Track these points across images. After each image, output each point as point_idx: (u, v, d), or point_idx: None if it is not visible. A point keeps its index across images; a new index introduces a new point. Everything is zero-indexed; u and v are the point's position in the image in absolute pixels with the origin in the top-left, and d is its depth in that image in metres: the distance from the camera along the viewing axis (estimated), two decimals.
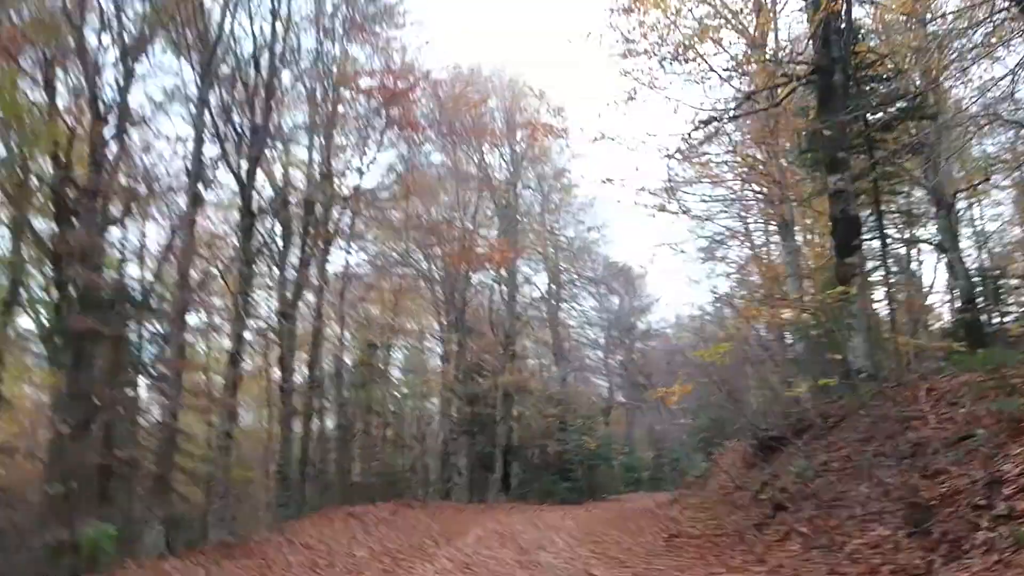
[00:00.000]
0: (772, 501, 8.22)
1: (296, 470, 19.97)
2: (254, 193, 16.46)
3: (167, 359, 12.51)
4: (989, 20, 13.68)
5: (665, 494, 23.03)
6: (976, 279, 20.02)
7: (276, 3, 15.60)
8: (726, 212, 22.18)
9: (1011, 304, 20.60)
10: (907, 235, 21.34)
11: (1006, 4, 12.64)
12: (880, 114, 13.02)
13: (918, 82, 14.62)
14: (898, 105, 12.80)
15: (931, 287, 24.93)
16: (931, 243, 21.73)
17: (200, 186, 15.25)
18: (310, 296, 19.84)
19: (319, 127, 17.84)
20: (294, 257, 19.03)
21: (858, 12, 12.56)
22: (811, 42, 10.68)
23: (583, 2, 14.47)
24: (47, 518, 8.67)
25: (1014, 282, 20.77)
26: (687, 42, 11.00)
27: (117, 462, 9.97)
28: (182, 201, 15.34)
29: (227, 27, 13.91)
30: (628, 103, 11.01)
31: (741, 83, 13.91)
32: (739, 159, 17.55)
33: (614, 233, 50.31)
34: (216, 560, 8.59)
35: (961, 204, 21.59)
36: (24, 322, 13.90)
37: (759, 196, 19.02)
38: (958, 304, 19.91)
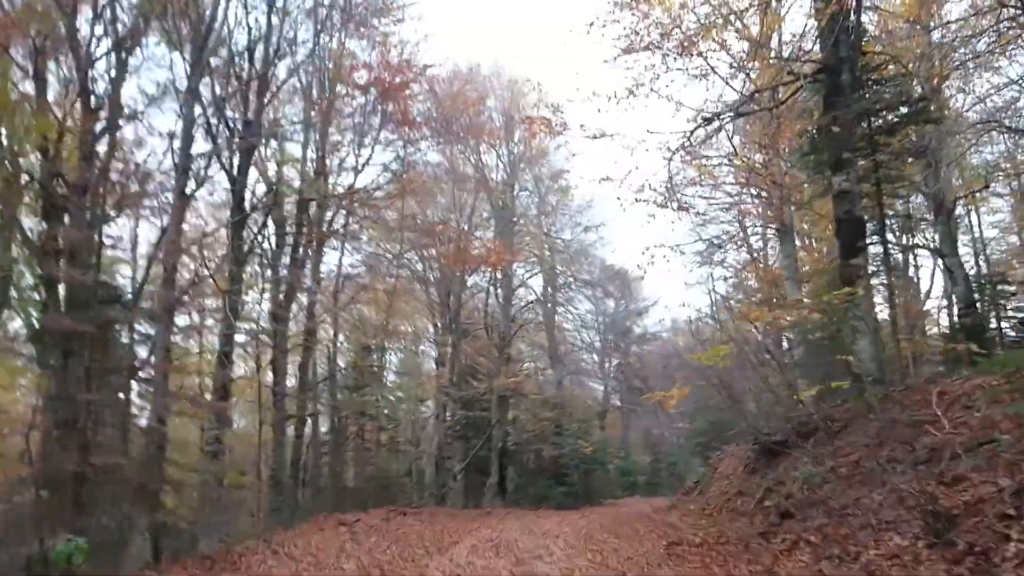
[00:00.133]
0: (778, 508, 7.95)
1: (289, 475, 19.64)
2: (246, 190, 16.21)
3: (152, 361, 12.15)
4: (994, 28, 13.60)
5: (662, 499, 22.78)
6: (975, 285, 19.96)
7: None
8: (725, 215, 22.10)
9: (1010, 309, 20.58)
10: (905, 240, 21.27)
11: (1012, 12, 12.51)
12: (884, 117, 12.84)
13: (920, 89, 14.50)
14: (902, 110, 12.59)
15: (928, 292, 24.93)
16: (930, 248, 21.69)
17: (189, 181, 14.99)
18: (303, 297, 19.50)
19: (314, 123, 17.54)
20: (287, 257, 18.74)
21: (862, 18, 12.37)
22: (818, 41, 10.45)
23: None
24: (21, 528, 8.33)
25: (1012, 288, 20.74)
26: (693, 37, 10.75)
27: (93, 468, 9.60)
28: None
29: (220, 15, 13.56)
30: (629, 97, 10.76)
31: (745, 82, 13.71)
32: (739, 162, 17.39)
33: (611, 234, 50.32)
34: (197, 572, 8.26)
35: (959, 211, 21.58)
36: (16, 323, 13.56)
37: (759, 199, 18.87)
38: (956, 309, 19.85)
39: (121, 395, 13.74)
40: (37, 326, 12.94)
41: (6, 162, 12.93)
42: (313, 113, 17.19)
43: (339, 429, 24.84)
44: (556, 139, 19.61)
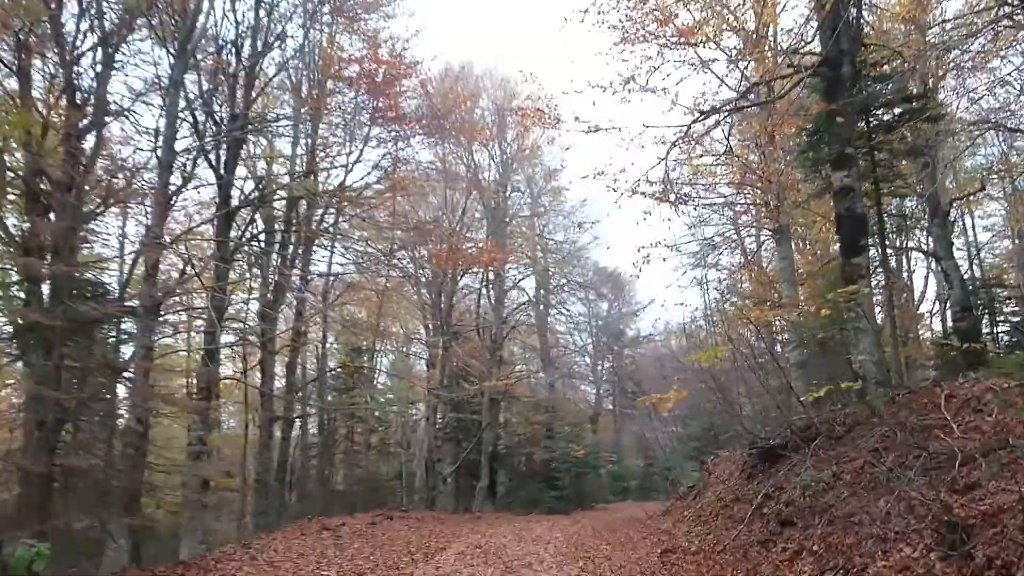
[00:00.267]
0: (777, 515, 7.65)
1: (275, 478, 19.27)
2: (234, 187, 15.84)
3: (133, 359, 11.74)
4: (990, 27, 13.41)
5: (655, 503, 22.52)
6: (971, 288, 19.81)
7: None
8: (719, 216, 21.87)
9: (1005, 313, 20.45)
10: (899, 243, 21.11)
11: (1010, 10, 12.30)
12: (881, 116, 12.62)
13: (919, 87, 14.30)
14: (901, 107, 12.35)
15: (922, 296, 24.81)
16: (924, 251, 21.53)
17: (173, 176, 14.60)
18: (292, 297, 19.11)
19: (304, 119, 17.18)
20: (276, 256, 18.36)
21: (862, 14, 12.14)
22: (819, 33, 10.19)
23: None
24: None
25: (1006, 292, 20.62)
26: (692, 28, 10.47)
27: (61, 470, 9.20)
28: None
29: (206, 6, 13.21)
30: (625, 88, 10.43)
31: (742, 76, 13.46)
32: (734, 162, 17.14)
33: (605, 233, 50.00)
34: None
35: (952, 214, 21.47)
36: None
37: (755, 200, 18.62)
38: (951, 313, 19.68)
39: (107, 394, 13.37)
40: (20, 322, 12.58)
41: None
42: (303, 109, 16.83)
43: (328, 431, 24.49)
44: (549, 133, 19.33)
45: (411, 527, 13.37)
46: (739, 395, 12.46)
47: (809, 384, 10.08)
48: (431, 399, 23.93)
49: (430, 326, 25.82)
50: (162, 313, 17.58)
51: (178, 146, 14.55)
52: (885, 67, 12.30)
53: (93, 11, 13.87)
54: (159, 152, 12.56)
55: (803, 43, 10.85)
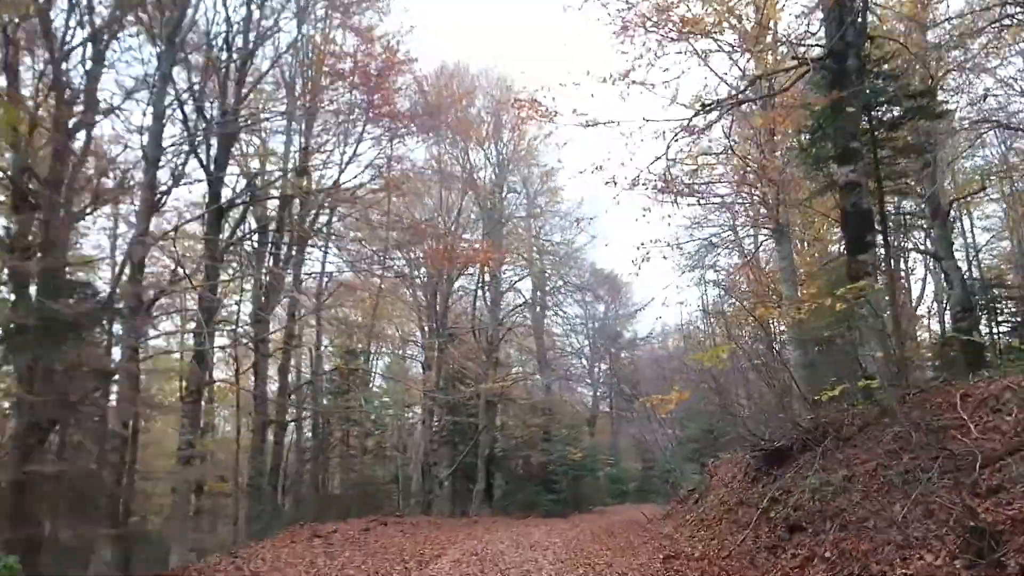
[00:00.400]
0: (786, 520, 7.36)
1: (268, 482, 18.95)
2: (225, 186, 15.55)
3: (120, 362, 11.43)
4: (994, 25, 13.21)
5: (653, 506, 22.22)
6: (971, 289, 19.60)
7: None
8: (718, 217, 21.65)
9: (1005, 314, 20.26)
10: (897, 243, 20.91)
11: (1013, 10, 12.10)
12: (884, 113, 12.38)
13: (918, 87, 14.08)
14: (905, 104, 12.10)
15: (920, 296, 24.63)
16: (923, 251, 21.34)
17: (163, 173, 14.33)
18: (285, 298, 18.80)
19: (296, 116, 16.89)
20: (270, 258, 18.08)
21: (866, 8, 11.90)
22: (824, 25, 9.93)
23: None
24: None
25: (1007, 292, 20.43)
26: (694, 19, 10.21)
27: (38, 476, 8.88)
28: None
29: None
30: (625, 79, 10.15)
31: (743, 72, 13.21)
32: (734, 160, 16.88)
33: (602, 231, 49.51)
34: None
35: (951, 214, 21.31)
36: None
37: (754, 198, 18.38)
38: (951, 314, 19.48)
39: (91, 398, 13.04)
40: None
41: None
42: (297, 103, 16.55)
43: (323, 435, 24.15)
44: (546, 127, 19.01)
45: (406, 533, 13.05)
46: (740, 396, 12.17)
47: (813, 384, 9.79)
48: (427, 402, 23.62)
49: (426, 328, 25.51)
50: (153, 315, 17.34)
51: (168, 143, 14.35)
52: (887, 65, 12.08)
53: (83, 6, 13.61)
54: (145, 147, 12.26)
55: (808, 34, 10.60)
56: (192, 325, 19.12)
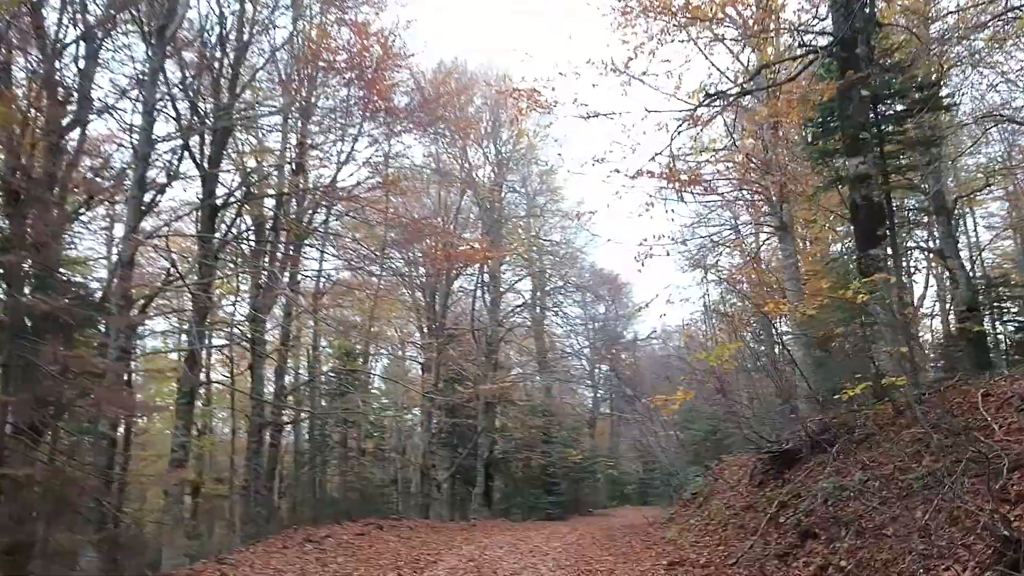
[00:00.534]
0: (797, 526, 7.03)
1: (264, 485, 18.61)
2: (220, 184, 15.25)
3: (108, 362, 11.08)
4: (999, 18, 12.91)
5: (655, 509, 21.91)
6: (977, 287, 19.29)
7: None
8: (718, 217, 21.39)
9: (1011, 312, 19.95)
10: (900, 241, 20.58)
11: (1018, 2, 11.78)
12: (893, 105, 12.07)
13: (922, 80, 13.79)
14: (912, 97, 11.78)
15: (923, 295, 24.32)
16: (926, 249, 21.02)
17: (158, 173, 14.03)
18: (282, 298, 18.47)
19: (292, 114, 16.59)
20: (265, 257, 17.76)
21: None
22: (831, 12, 9.62)
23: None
24: None
25: (1010, 292, 20.12)
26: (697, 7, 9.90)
27: (28, 481, 8.56)
28: (147, 196, 14.15)
29: None
30: (627, 67, 9.85)
31: (745, 66, 12.90)
32: (737, 157, 16.60)
33: (602, 230, 49.22)
34: None
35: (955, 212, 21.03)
36: None
37: (756, 196, 18.10)
38: (955, 313, 19.18)
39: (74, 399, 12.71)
40: None
41: None
42: (293, 108, 16.26)
43: (321, 437, 23.84)
44: (545, 119, 18.64)
45: (402, 537, 12.70)
46: (746, 396, 11.84)
47: (824, 383, 9.47)
48: (426, 404, 23.31)
49: (425, 329, 25.20)
50: (149, 315, 17.03)
51: (162, 141, 14.06)
52: (896, 56, 11.78)
53: (76, 3, 13.32)
54: (135, 142, 11.95)
55: (816, 19, 10.28)
56: (187, 326, 18.83)
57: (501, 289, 27.83)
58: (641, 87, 10.54)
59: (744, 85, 10.55)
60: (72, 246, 16.54)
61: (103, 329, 14.37)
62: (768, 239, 21.69)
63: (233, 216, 16.42)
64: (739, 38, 11.85)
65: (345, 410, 22.66)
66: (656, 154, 10.05)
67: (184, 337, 20.06)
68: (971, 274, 22.99)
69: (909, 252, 22.35)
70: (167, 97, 13.69)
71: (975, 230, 25.12)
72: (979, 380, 7.21)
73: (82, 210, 15.12)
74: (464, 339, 26.31)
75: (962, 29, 14.17)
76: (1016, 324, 19.51)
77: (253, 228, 17.66)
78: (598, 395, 39.07)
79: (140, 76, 13.46)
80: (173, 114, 14.24)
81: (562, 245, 29.79)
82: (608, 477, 35.20)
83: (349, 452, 25.72)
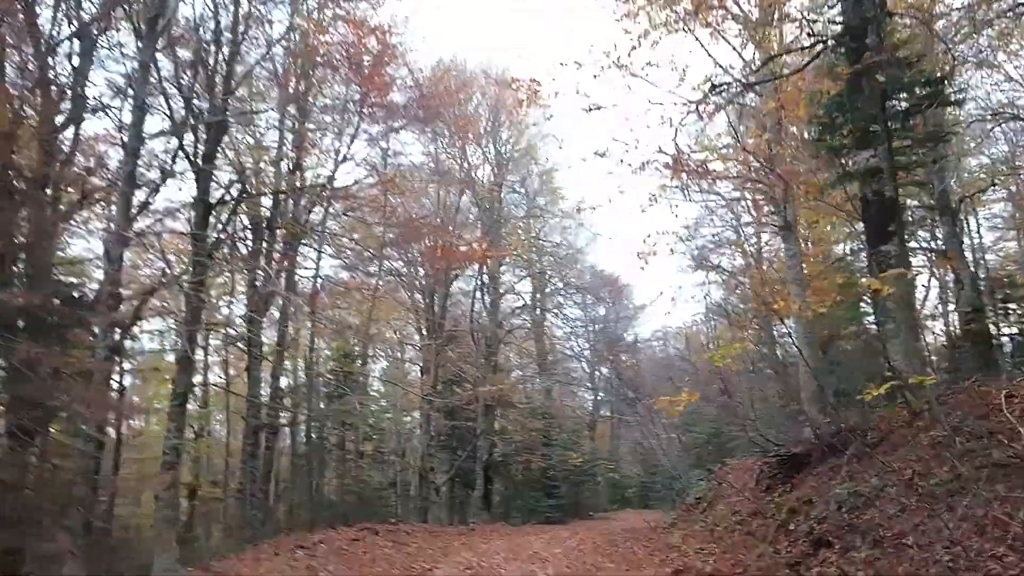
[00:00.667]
0: (809, 534, 6.71)
1: (261, 487, 18.31)
2: (214, 181, 14.97)
3: (94, 362, 10.78)
4: (1006, 15, 12.63)
5: (655, 513, 21.60)
6: (982, 288, 19.03)
7: None
8: (720, 218, 21.13)
9: (1015, 313, 19.68)
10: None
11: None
12: (901, 101, 11.77)
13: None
14: (922, 91, 11.48)
15: (925, 297, 24.03)
16: (929, 250, 20.73)
17: (152, 172, 13.75)
18: (279, 299, 18.18)
19: (288, 111, 16.31)
20: (263, 257, 17.48)
21: None
22: (841, 1, 9.33)
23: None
24: None
25: (1018, 292, 19.85)
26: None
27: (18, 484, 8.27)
28: (142, 195, 13.90)
29: None
30: (630, 55, 9.55)
31: (746, 62, 12.62)
32: (740, 154, 16.29)
33: (602, 229, 48.86)
34: None
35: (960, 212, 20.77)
36: None
37: (760, 194, 17.81)
38: (959, 314, 18.90)
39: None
40: None
41: None
42: (290, 107, 15.99)
43: (318, 439, 23.54)
44: (546, 113, 18.32)
45: (398, 543, 12.37)
46: (753, 397, 11.55)
47: (838, 384, 9.16)
48: (425, 406, 23.01)
49: (423, 331, 24.90)
50: (142, 316, 16.74)
51: (156, 138, 13.78)
52: (905, 50, 11.49)
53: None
54: (125, 138, 11.66)
55: (828, 5, 9.96)
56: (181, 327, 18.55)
57: (501, 290, 27.56)
58: (643, 84, 10.26)
59: (751, 76, 10.22)
60: (66, 245, 16.32)
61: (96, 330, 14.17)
62: (770, 240, 21.47)
63: (228, 214, 16.10)
64: (742, 31, 11.53)
65: (343, 412, 22.37)
66: (661, 147, 9.72)
67: (178, 338, 19.78)
68: (976, 275, 22.75)
69: (912, 253, 22.11)
70: (160, 93, 13.40)
71: (978, 231, 24.88)
72: (999, 381, 6.90)
73: (77, 209, 14.90)
74: (463, 341, 26.02)
75: (967, 27, 13.93)
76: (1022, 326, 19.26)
77: (250, 227, 17.41)
78: (598, 398, 38.78)
79: (131, 72, 13.22)
80: (167, 111, 14.00)
81: (562, 246, 29.56)
82: (609, 480, 34.90)
83: (347, 455, 25.41)
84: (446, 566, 9.58)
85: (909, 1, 14.79)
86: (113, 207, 16.70)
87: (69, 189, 14.23)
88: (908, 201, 17.83)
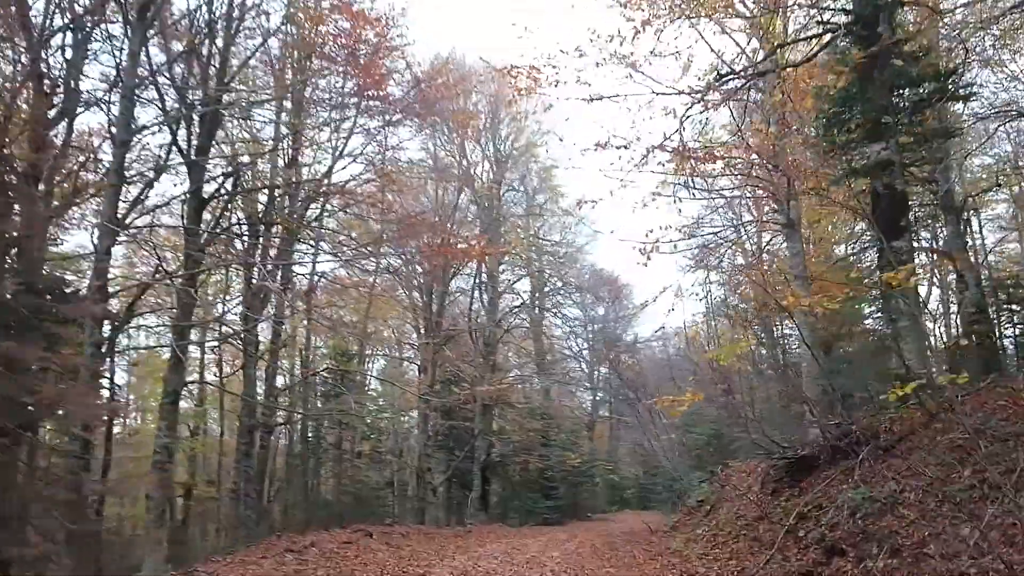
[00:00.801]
0: (820, 541, 6.42)
1: (255, 487, 18.02)
2: (208, 175, 14.66)
3: (84, 361, 10.47)
4: (1014, 10, 12.36)
5: (655, 515, 21.33)
6: (986, 288, 18.77)
7: None
8: (721, 217, 20.84)
9: (1019, 314, 19.41)
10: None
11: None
12: (910, 95, 11.48)
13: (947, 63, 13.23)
14: (929, 87, 11.18)
15: (927, 297, 23.79)
16: (931, 250, 20.46)
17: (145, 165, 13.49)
18: (274, 296, 17.88)
19: (283, 102, 15.99)
20: (258, 254, 17.18)
21: None
22: None
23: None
24: None
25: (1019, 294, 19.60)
26: None
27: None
28: (135, 189, 13.61)
29: None
30: (633, 40, 9.23)
31: (748, 57, 12.33)
32: (744, 150, 16.01)
33: (603, 225, 48.57)
34: None
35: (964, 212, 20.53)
36: None
37: (763, 192, 17.53)
38: (963, 315, 18.64)
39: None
40: None
41: None
42: (287, 103, 15.67)
43: (314, 439, 23.26)
44: (546, 102, 18.00)
45: (391, 546, 12.06)
46: (754, 398, 11.26)
47: (849, 385, 8.86)
48: (422, 405, 22.72)
49: (421, 329, 24.62)
50: (135, 312, 16.43)
51: (145, 131, 13.47)
52: (914, 44, 11.21)
53: None
54: (113, 129, 11.37)
55: None
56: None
57: (499, 289, 27.29)
58: (645, 78, 9.93)
59: (759, 65, 9.93)
60: (62, 242, 16.02)
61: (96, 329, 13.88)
62: (772, 239, 21.20)
63: (221, 209, 15.79)
64: (747, 23, 11.22)
65: (339, 411, 22.07)
66: (667, 138, 9.42)
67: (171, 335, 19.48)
68: (980, 275, 22.48)
69: (916, 253, 21.88)
70: (152, 84, 13.09)
71: (980, 231, 24.65)
72: (1016, 382, 6.61)
73: (71, 204, 14.61)
74: (461, 340, 25.76)
75: (973, 23, 13.66)
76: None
77: (244, 223, 17.11)
78: (597, 398, 38.52)
79: (121, 62, 12.92)
80: (159, 103, 13.69)
81: (562, 245, 29.30)
82: (607, 481, 34.65)
83: (344, 454, 25.13)
84: (440, 570, 9.27)
85: None
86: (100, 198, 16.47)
87: (63, 184, 14.01)
88: (912, 200, 17.60)
